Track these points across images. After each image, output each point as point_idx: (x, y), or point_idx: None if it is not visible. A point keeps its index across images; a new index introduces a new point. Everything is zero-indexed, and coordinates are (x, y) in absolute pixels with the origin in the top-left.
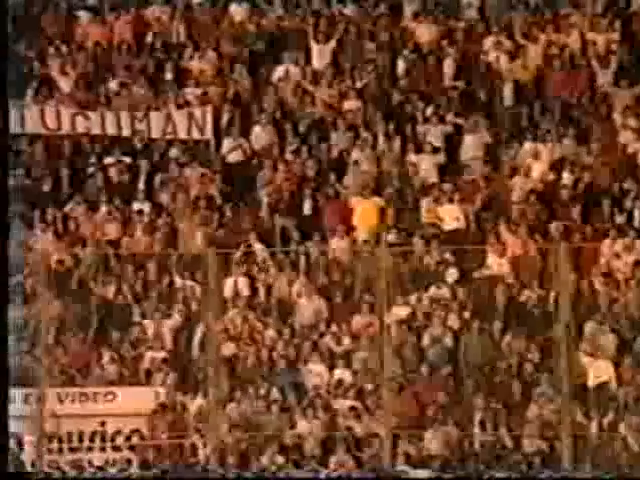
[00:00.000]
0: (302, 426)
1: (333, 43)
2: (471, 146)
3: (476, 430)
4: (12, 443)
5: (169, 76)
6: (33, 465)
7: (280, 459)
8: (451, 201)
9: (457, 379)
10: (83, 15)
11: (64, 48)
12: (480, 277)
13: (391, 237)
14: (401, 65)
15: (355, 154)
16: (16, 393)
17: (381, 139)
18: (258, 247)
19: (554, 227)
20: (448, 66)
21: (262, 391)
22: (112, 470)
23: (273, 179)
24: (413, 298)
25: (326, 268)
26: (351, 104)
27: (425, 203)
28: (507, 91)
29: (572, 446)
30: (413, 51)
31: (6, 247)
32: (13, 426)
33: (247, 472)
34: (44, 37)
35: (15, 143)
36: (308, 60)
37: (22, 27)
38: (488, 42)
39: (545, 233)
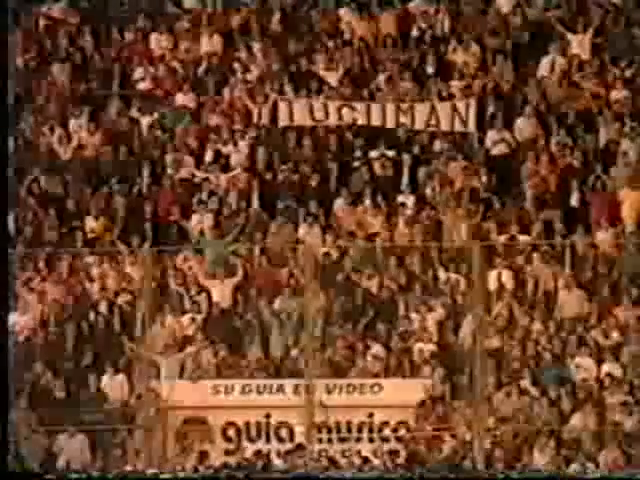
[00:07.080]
0: (575, 420)
1: (591, 32)
2: None
3: None
4: (284, 433)
5: (433, 69)
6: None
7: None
8: None
9: None
10: (350, 11)
11: (331, 44)
12: None
13: None
14: None
15: (624, 145)
16: (285, 384)
17: None
18: (522, 239)
19: None
20: None
21: (528, 384)
22: (377, 461)
23: (538, 171)
24: None
25: (592, 261)
26: (618, 94)
27: None
28: None
29: None
30: None
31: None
32: (282, 416)
33: (514, 470)
34: (312, 33)
35: (284, 137)
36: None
37: (292, 24)
38: None
39: None
